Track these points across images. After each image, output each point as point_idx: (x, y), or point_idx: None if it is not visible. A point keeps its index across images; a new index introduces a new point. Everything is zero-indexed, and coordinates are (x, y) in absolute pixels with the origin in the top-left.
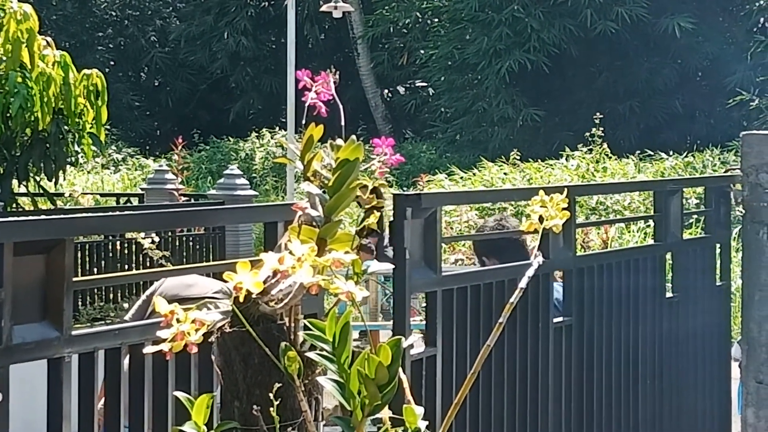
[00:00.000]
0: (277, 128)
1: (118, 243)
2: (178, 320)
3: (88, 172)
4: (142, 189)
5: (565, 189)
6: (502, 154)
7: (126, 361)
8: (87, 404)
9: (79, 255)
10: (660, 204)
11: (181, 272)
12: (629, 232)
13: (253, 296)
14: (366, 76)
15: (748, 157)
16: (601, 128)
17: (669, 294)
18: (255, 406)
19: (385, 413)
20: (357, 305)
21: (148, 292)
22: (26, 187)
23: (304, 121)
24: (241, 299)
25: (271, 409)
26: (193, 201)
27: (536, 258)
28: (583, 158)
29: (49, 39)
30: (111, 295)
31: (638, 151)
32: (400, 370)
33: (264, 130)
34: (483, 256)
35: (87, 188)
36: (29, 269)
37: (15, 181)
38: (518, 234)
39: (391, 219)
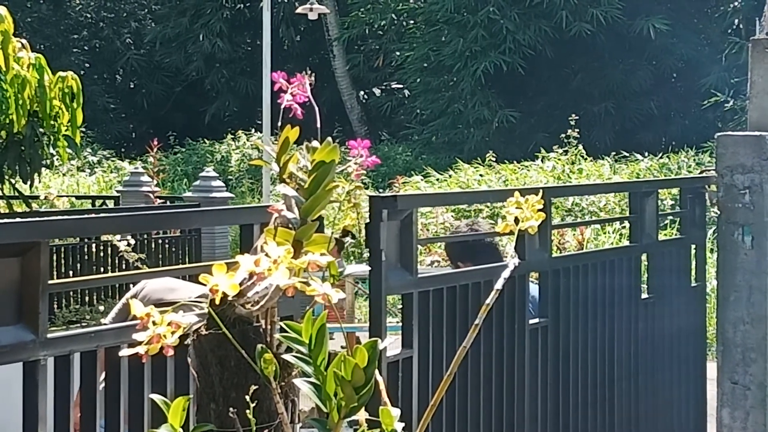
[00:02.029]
0: (253, 130)
1: (93, 245)
2: (154, 323)
3: (64, 175)
4: (117, 191)
5: (541, 190)
6: (478, 155)
7: (101, 378)
8: (63, 407)
9: (54, 258)
10: (635, 205)
11: (157, 275)
12: (605, 233)
13: (229, 299)
14: (342, 78)
15: (723, 159)
16: (577, 130)
17: (644, 295)
18: (231, 409)
19: (362, 415)
20: (333, 307)
21: (128, 295)
22: (1, 189)
23: (279, 123)
24: (217, 302)
25: (248, 411)
26: (168, 203)
27: (512, 259)
28: (559, 160)
29: (24, 41)
30: (86, 298)
31: (613, 153)
32: (377, 371)
33: (240, 132)
34: (458, 261)
35: (62, 191)
36: (4, 272)
37: None
38: (492, 236)
39: (367, 221)
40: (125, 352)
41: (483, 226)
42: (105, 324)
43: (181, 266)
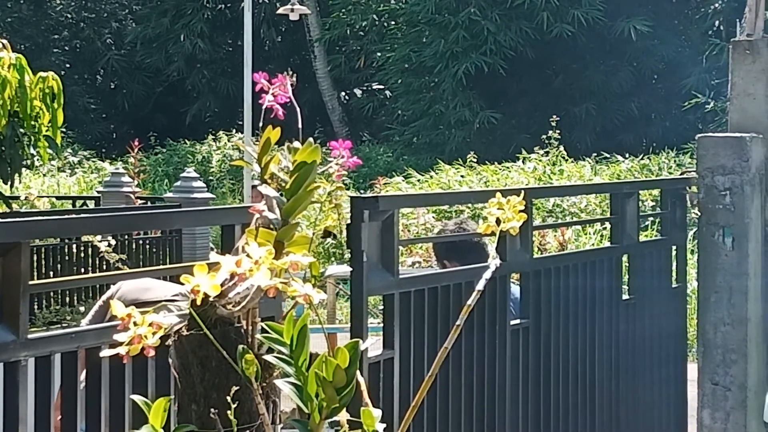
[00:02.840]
0: (234, 131)
1: (74, 246)
2: (135, 323)
3: (44, 175)
4: (98, 192)
5: (522, 191)
6: (459, 156)
7: (83, 377)
8: (43, 408)
9: (35, 258)
10: (616, 206)
11: (138, 275)
12: (586, 234)
13: (211, 299)
14: (323, 79)
15: (704, 160)
16: (558, 131)
17: (625, 296)
18: (212, 410)
19: (343, 416)
20: (315, 308)
21: (104, 297)
22: None
23: (261, 124)
24: (199, 302)
25: (229, 412)
26: (149, 204)
27: (493, 260)
28: (540, 161)
29: (4, 41)
30: (67, 299)
31: (594, 154)
32: (358, 372)
33: (221, 132)
34: (444, 260)
35: (43, 191)
36: None
37: None
38: (478, 236)
39: (349, 222)
40: (106, 352)
41: (470, 226)
42: (83, 326)
43: (162, 267)
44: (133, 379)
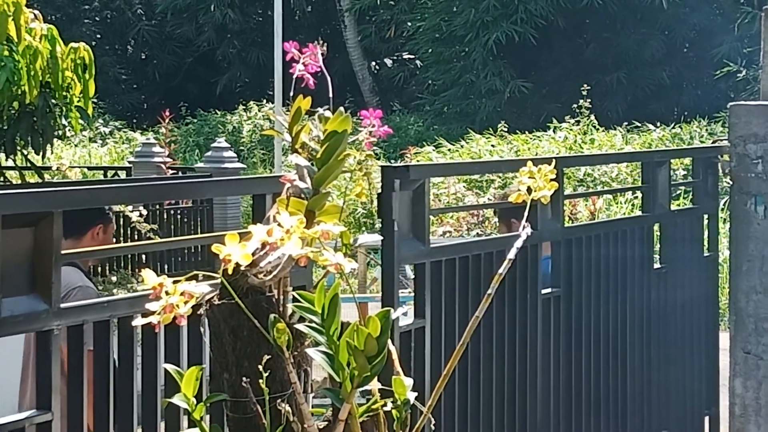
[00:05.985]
0: (265, 101)
1: None
2: (166, 293)
3: (76, 146)
4: (129, 162)
5: (553, 160)
6: (490, 126)
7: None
8: (76, 377)
9: None
10: (648, 175)
11: (168, 245)
12: (617, 203)
13: (242, 269)
14: (353, 49)
15: (736, 128)
16: (589, 100)
17: (657, 265)
18: (244, 378)
19: (375, 385)
20: (346, 277)
21: None
22: (13, 160)
23: (291, 94)
24: (230, 272)
25: (261, 381)
26: (180, 174)
27: (524, 229)
28: (571, 130)
29: (36, 12)
30: (99, 268)
31: (626, 123)
32: (389, 341)
33: (251, 102)
34: (512, 218)
35: (74, 162)
36: (17, 242)
37: (2, 155)
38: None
39: (379, 191)
40: (138, 321)
41: None
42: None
43: (193, 236)
44: (165, 349)
